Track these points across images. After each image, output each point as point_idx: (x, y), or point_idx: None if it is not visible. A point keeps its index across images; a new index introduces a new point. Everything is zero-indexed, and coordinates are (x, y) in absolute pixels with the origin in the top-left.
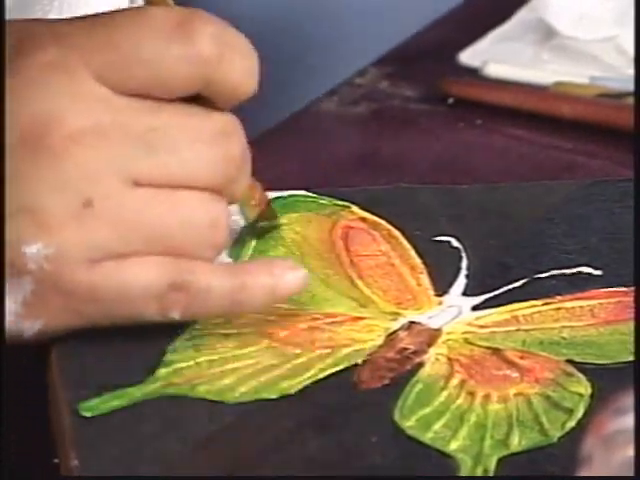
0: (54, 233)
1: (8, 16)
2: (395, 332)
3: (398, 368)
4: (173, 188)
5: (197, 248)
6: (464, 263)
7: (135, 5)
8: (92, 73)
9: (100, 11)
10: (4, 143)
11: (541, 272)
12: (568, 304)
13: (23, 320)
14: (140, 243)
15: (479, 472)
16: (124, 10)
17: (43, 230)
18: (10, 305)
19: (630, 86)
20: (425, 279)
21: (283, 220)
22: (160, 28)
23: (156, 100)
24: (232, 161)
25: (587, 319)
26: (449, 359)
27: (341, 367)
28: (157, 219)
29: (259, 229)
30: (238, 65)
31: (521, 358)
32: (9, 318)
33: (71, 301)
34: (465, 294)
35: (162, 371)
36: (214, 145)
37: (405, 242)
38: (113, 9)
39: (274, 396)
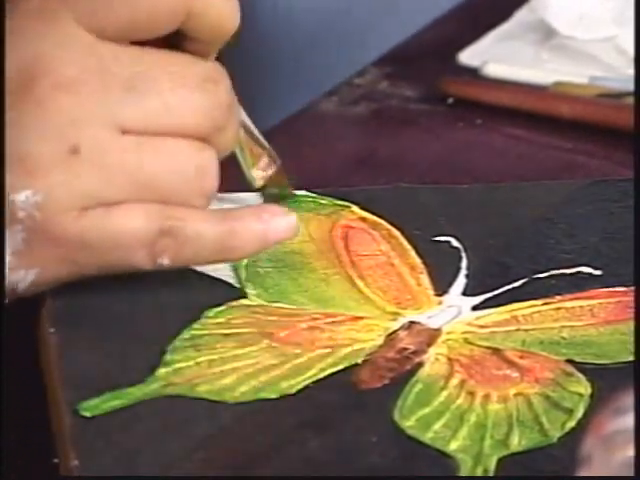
0: (42, 179)
1: None
2: (395, 332)
3: (398, 368)
4: (160, 135)
5: (186, 196)
6: (464, 263)
7: None
8: (75, 18)
9: None
10: (4, 117)
11: (541, 272)
12: (568, 304)
13: (16, 271)
14: (128, 190)
15: (479, 472)
16: None
17: (31, 177)
18: None
19: (630, 86)
20: (425, 279)
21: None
22: None
23: (141, 46)
24: (219, 108)
25: (587, 319)
26: (449, 359)
27: (341, 367)
28: (144, 166)
29: (267, 196)
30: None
31: (521, 358)
32: None
33: (62, 249)
34: (465, 294)
35: (162, 371)
36: (200, 91)
37: (405, 242)
38: None
39: (274, 396)
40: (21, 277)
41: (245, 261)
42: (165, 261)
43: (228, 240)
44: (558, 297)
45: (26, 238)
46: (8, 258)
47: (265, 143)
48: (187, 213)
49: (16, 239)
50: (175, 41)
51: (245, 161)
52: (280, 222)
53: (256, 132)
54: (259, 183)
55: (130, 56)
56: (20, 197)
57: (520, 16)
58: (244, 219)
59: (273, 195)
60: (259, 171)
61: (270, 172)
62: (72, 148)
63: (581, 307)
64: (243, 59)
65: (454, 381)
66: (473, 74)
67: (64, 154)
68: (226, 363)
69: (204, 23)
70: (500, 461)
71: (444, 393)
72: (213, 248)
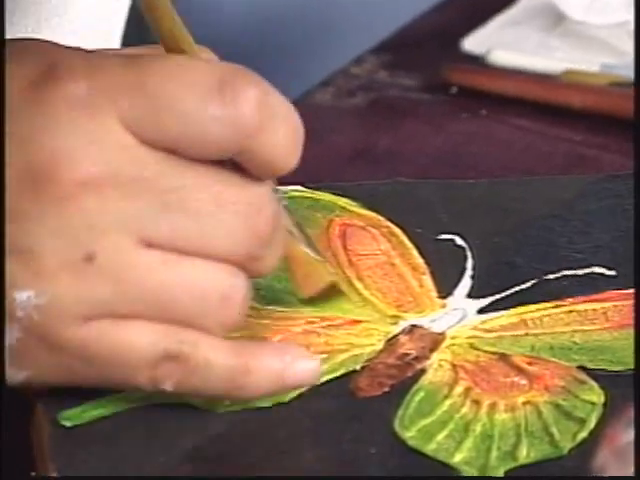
0: (48, 282)
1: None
2: (395, 336)
3: (399, 375)
4: (186, 255)
5: (203, 322)
6: (469, 263)
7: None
8: (120, 117)
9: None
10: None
11: (551, 272)
12: (580, 307)
13: (7, 367)
14: (141, 306)
15: None
16: (165, 57)
17: (37, 277)
18: None
19: None
20: (427, 280)
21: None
22: (201, 83)
23: (185, 159)
24: (257, 237)
25: (600, 323)
26: (453, 365)
27: (338, 374)
28: (163, 284)
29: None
30: (281, 137)
31: (530, 364)
32: None
33: (58, 357)
34: (470, 296)
35: None
36: (240, 217)
37: (406, 240)
38: (147, 51)
39: (267, 404)
40: (12, 374)
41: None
42: (167, 386)
43: (240, 376)
44: (570, 299)
45: (21, 339)
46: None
47: (318, 253)
48: (200, 338)
49: (11, 337)
50: None
51: (295, 276)
52: (302, 366)
53: (312, 244)
54: (309, 295)
55: (171, 167)
56: (21, 296)
57: (527, 0)
58: (263, 357)
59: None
60: (311, 286)
61: (322, 287)
62: (87, 255)
63: (594, 310)
64: (234, 48)
65: (458, 389)
66: (477, 62)
67: (77, 260)
68: None
69: (258, 161)
70: (507, 474)
71: (448, 402)
72: (222, 382)
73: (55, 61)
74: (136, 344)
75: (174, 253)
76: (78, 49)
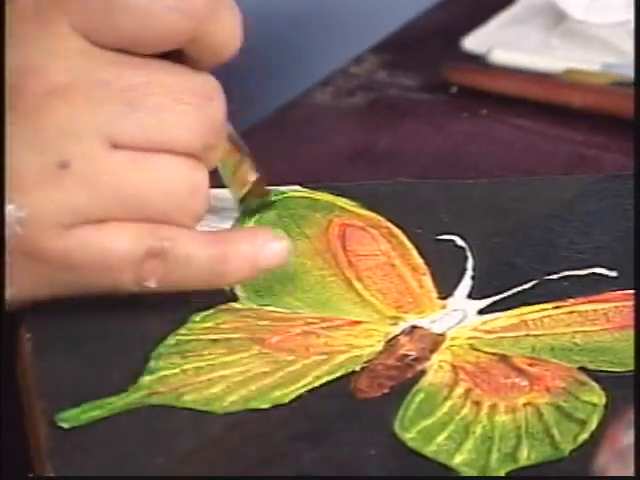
0: (27, 194)
1: None
2: (395, 337)
3: (398, 376)
4: (153, 152)
5: (176, 215)
6: (469, 263)
7: None
8: (71, 23)
9: None
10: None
11: (552, 273)
12: (581, 307)
13: None
14: (118, 208)
15: None
16: None
17: (16, 191)
18: None
19: None
20: (428, 281)
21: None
22: None
23: (138, 56)
24: (212, 126)
25: (601, 323)
26: (453, 366)
27: (338, 375)
28: (136, 184)
29: (247, 207)
30: (227, 22)
31: (530, 365)
32: None
33: (43, 267)
34: (470, 297)
35: (146, 379)
36: (197, 109)
37: (406, 241)
38: None
39: (265, 406)
40: None
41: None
42: (152, 284)
43: (220, 265)
44: (571, 300)
45: (8, 255)
46: None
47: (246, 149)
48: (178, 234)
49: None
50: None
51: (226, 171)
52: (272, 247)
53: (238, 139)
54: (242, 192)
55: (127, 66)
56: (5, 212)
57: None
58: (236, 243)
59: (253, 205)
60: (240, 180)
61: (252, 181)
62: (61, 162)
63: (595, 311)
64: None
65: (459, 390)
66: (478, 61)
67: (53, 168)
68: (214, 371)
69: (208, 47)
70: (508, 476)
71: (448, 403)
72: (203, 272)
73: None
74: (118, 246)
75: (141, 151)
76: None
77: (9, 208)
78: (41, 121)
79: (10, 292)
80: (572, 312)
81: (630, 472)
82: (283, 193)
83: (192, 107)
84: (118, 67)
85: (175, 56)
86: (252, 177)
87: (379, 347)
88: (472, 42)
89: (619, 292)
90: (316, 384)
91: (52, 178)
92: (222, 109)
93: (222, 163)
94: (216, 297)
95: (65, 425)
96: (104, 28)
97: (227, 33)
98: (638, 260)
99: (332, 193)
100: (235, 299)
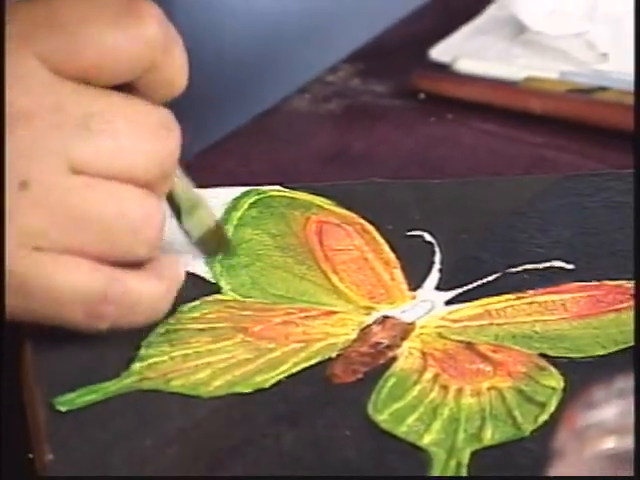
0: None
1: None
2: (369, 326)
3: (372, 362)
4: (109, 178)
5: (131, 242)
6: (437, 258)
7: None
8: (36, 54)
9: None
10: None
11: (513, 266)
12: (540, 298)
13: None
14: (72, 232)
15: (452, 465)
16: None
17: None
18: None
19: (600, 81)
20: (398, 273)
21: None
22: (107, 7)
23: (95, 87)
24: (169, 157)
25: (559, 313)
26: (423, 353)
27: (315, 361)
28: (92, 209)
29: (206, 249)
30: (178, 57)
31: (494, 352)
32: None
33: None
34: (438, 288)
35: (137, 365)
36: (154, 138)
37: (378, 237)
38: None
39: (248, 390)
40: None
41: (220, 256)
42: (103, 326)
43: (164, 302)
44: (531, 291)
45: None
46: None
47: (200, 195)
48: (132, 277)
49: None
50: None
51: (183, 208)
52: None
53: (190, 182)
54: (200, 233)
55: (87, 95)
56: None
57: (491, 11)
58: (175, 275)
59: (211, 248)
60: (199, 221)
61: (211, 224)
62: (22, 183)
63: (553, 301)
64: (212, 56)
65: (428, 375)
66: (444, 70)
67: (14, 189)
68: (200, 358)
69: (161, 80)
70: (473, 455)
71: (417, 387)
72: (150, 311)
73: None
74: (72, 284)
75: (98, 177)
76: None
77: None
78: (4, 143)
79: None
80: (532, 302)
81: (587, 451)
82: (264, 192)
83: (150, 135)
84: (79, 95)
85: (127, 90)
86: (211, 220)
87: (353, 335)
88: (439, 52)
89: (576, 284)
90: (294, 370)
91: (14, 199)
92: (179, 140)
93: (178, 199)
94: (202, 289)
95: (62, 408)
96: (65, 60)
97: (178, 68)
98: (638, 260)
99: (310, 192)
100: (220, 291)
